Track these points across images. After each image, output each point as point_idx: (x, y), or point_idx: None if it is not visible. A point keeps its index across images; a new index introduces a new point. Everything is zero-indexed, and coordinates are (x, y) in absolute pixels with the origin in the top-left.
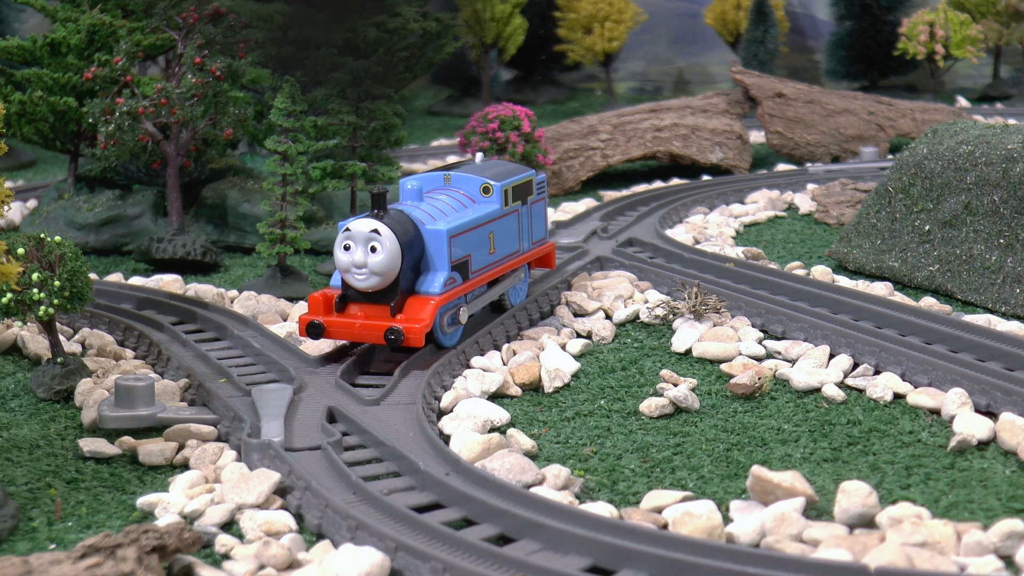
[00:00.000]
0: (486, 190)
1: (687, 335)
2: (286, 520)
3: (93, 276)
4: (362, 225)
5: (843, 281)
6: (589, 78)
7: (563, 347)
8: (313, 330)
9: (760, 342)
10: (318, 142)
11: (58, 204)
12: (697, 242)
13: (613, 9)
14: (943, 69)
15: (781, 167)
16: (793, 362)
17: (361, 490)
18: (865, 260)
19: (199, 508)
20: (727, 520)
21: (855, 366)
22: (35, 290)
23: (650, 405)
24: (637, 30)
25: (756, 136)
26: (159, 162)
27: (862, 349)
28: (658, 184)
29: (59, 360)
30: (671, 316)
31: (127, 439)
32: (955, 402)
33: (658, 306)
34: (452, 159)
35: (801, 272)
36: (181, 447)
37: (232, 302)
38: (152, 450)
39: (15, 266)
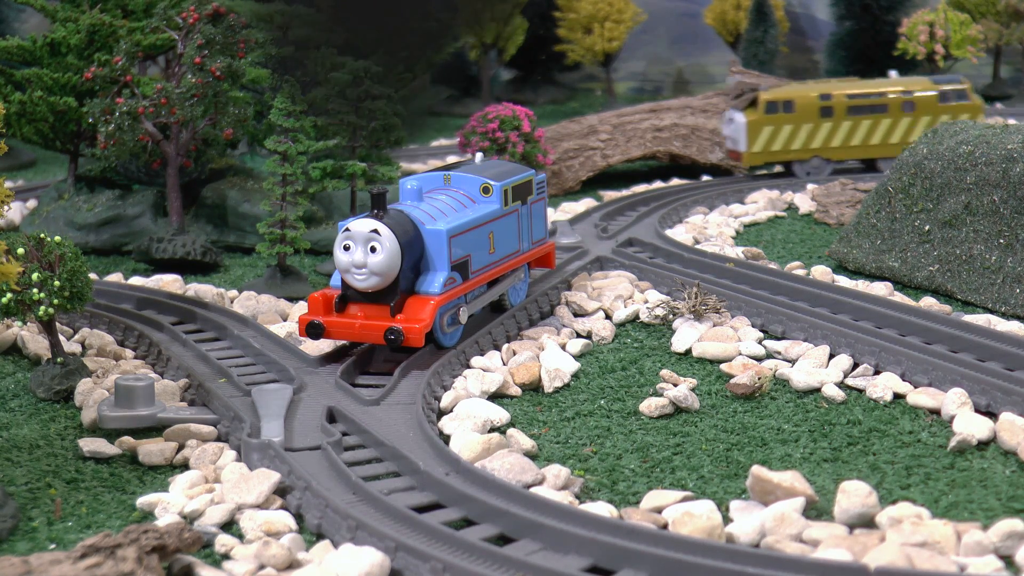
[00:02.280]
0: (486, 190)
1: (687, 335)
2: (286, 520)
3: (93, 276)
4: (362, 225)
5: (843, 281)
6: (589, 78)
7: (563, 347)
8: (313, 330)
9: (760, 342)
10: (318, 142)
11: (58, 204)
12: (697, 242)
13: (613, 9)
14: (943, 69)
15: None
16: (793, 362)
17: (361, 490)
18: (865, 260)
19: (199, 508)
20: (727, 520)
21: (855, 366)
22: (35, 290)
23: (650, 405)
24: (637, 30)
25: None
26: (159, 162)
27: (862, 349)
28: (658, 184)
29: (59, 360)
30: (671, 316)
31: (127, 439)
32: (955, 402)
33: (658, 306)
34: (452, 159)
35: (801, 272)
36: (181, 447)
37: (232, 302)
38: (152, 450)
39: (15, 266)
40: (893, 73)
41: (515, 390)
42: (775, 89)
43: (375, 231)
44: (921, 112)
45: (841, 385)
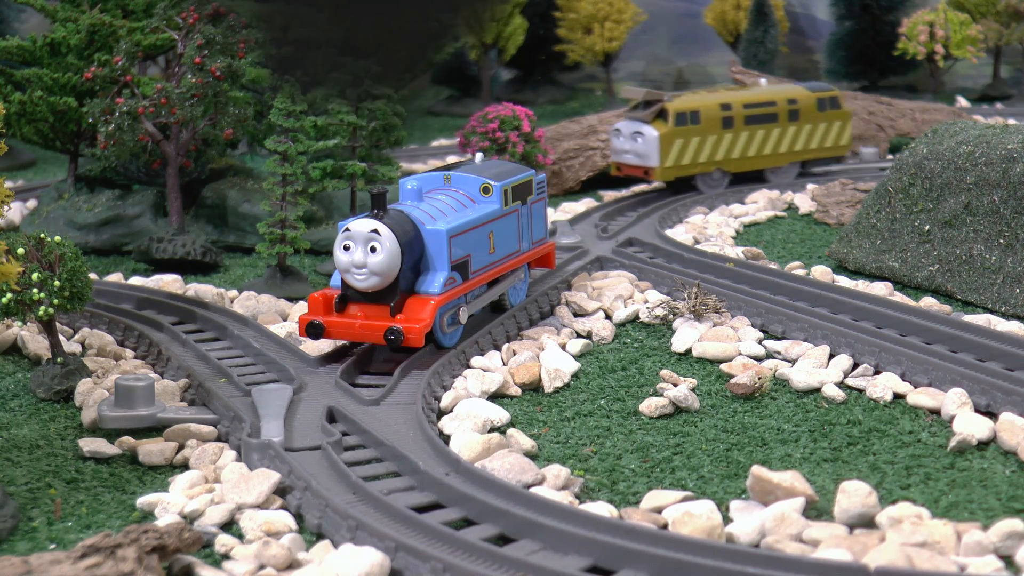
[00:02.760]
0: (486, 190)
1: (687, 335)
2: (286, 520)
3: (93, 276)
4: (362, 225)
5: (843, 281)
6: (589, 78)
7: (563, 347)
8: (313, 330)
9: (760, 342)
10: (318, 142)
11: (58, 204)
12: (697, 242)
13: (613, 9)
14: (943, 69)
15: None
16: (793, 362)
17: (361, 490)
18: (865, 260)
19: (199, 508)
20: (727, 520)
21: (855, 366)
22: (35, 290)
23: (650, 405)
24: (637, 30)
25: None
26: (159, 162)
27: (862, 349)
28: (658, 184)
29: (59, 360)
30: (671, 316)
31: (127, 439)
32: (955, 402)
33: (658, 306)
34: (452, 159)
35: (801, 272)
36: (181, 447)
37: (232, 302)
38: (152, 450)
39: (15, 266)
40: (763, 81)
41: (515, 390)
42: (679, 100)
43: (375, 231)
44: (804, 120)
45: (841, 385)
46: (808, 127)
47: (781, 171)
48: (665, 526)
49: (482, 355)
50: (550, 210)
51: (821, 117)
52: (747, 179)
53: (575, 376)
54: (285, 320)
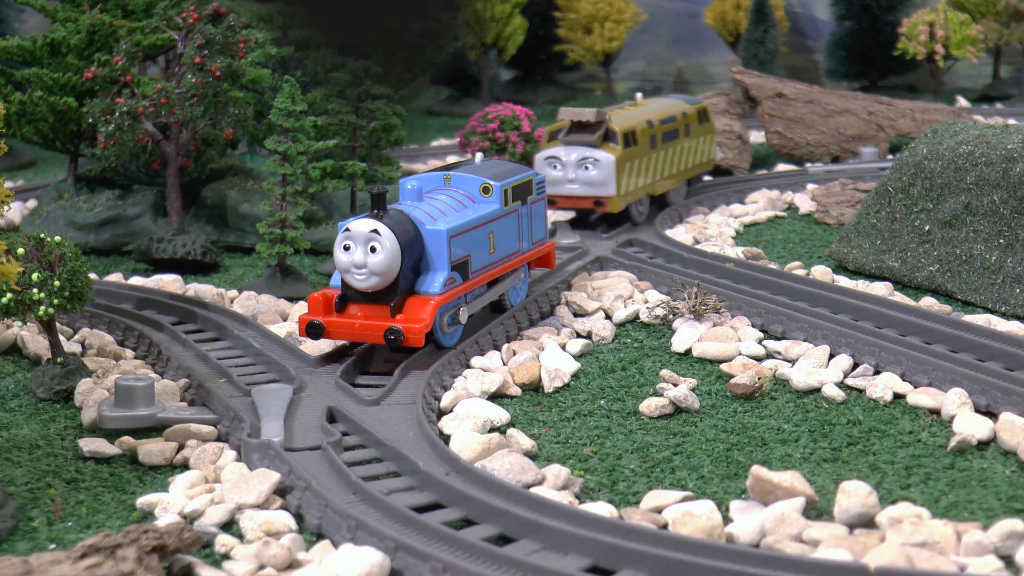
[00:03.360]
0: (486, 190)
1: (687, 335)
2: (286, 520)
3: (93, 276)
4: (362, 225)
5: (843, 281)
6: (589, 78)
7: (563, 347)
8: (313, 330)
9: (760, 342)
10: (318, 142)
11: (58, 204)
12: (697, 242)
13: (613, 9)
14: (943, 69)
15: (781, 167)
16: (793, 362)
17: (361, 490)
18: (865, 260)
19: (199, 508)
20: (727, 520)
21: (855, 366)
22: (35, 290)
23: (650, 405)
24: (637, 30)
25: (756, 136)
26: (159, 162)
27: (862, 349)
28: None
29: (59, 360)
30: (671, 316)
31: (127, 439)
32: (955, 402)
33: (658, 306)
34: (452, 159)
35: (801, 272)
36: (181, 447)
37: (232, 302)
38: (152, 450)
39: (15, 266)
40: (639, 95)
41: (515, 390)
42: (617, 118)
43: (375, 231)
44: (694, 135)
45: (841, 385)
46: (695, 142)
47: (677, 191)
48: (665, 526)
49: (482, 355)
50: (550, 210)
51: (700, 131)
52: (658, 204)
53: (575, 376)
54: (285, 320)
